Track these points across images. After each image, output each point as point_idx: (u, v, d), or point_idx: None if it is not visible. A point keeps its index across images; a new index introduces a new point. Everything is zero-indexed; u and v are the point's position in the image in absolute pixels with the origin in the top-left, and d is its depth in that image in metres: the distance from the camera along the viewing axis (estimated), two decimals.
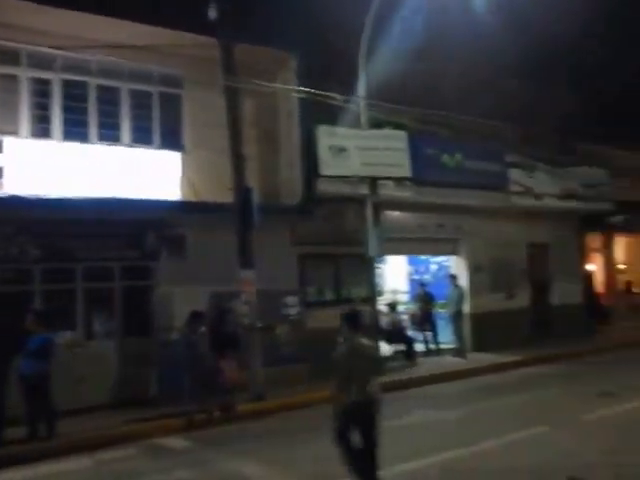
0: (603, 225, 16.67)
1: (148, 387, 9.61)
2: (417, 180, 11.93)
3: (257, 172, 10.93)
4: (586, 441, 6.66)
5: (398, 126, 11.88)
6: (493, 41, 11.89)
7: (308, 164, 10.94)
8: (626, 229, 17.32)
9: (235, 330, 9.18)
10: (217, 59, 9.49)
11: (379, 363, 5.29)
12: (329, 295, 11.77)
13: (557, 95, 14.56)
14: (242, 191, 9.44)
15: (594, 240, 17.49)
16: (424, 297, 13.29)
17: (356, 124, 11.33)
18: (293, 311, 11.02)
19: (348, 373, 5.11)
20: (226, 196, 9.51)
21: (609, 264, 17.74)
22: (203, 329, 8.73)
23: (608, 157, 16.36)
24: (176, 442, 7.72)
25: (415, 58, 11.40)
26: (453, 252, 14.03)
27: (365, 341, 5.35)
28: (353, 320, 5.38)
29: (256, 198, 9.47)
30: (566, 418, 7.73)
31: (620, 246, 18.46)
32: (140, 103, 10.55)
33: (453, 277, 13.39)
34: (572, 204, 14.84)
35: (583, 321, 15.69)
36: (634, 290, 18.32)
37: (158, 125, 10.67)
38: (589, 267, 17.18)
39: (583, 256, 16.69)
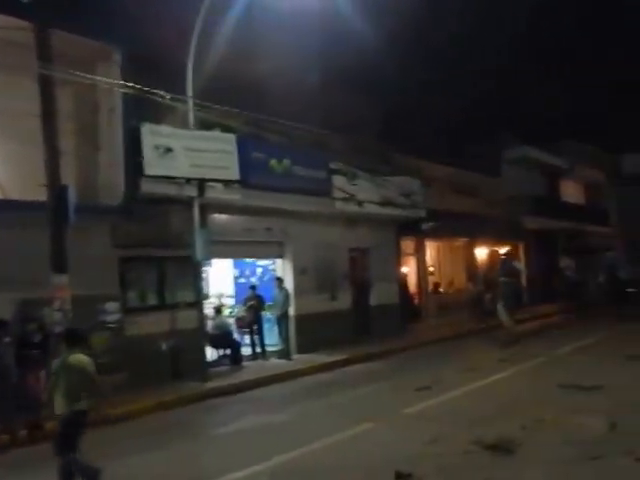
0: (416, 231, 18.14)
1: None
2: (245, 183, 12.03)
3: (75, 169, 10.30)
4: (409, 434, 7.13)
5: (227, 128, 11.89)
6: (322, 51, 12.40)
7: (132, 163, 10.48)
8: (435, 235, 19.03)
9: (45, 340, 8.48)
10: (31, 44, 8.72)
11: (90, 379, 5.85)
12: (152, 300, 11.41)
13: (377, 107, 15.60)
14: (56, 188, 8.74)
15: (408, 245, 18.99)
16: (254, 300, 13.37)
17: (184, 124, 11.12)
18: (113, 317, 10.47)
19: (61, 386, 5.72)
20: (38, 193, 8.75)
21: (421, 267, 19.34)
22: (8, 339, 7.97)
23: (419, 168, 17.89)
24: None
25: (245, 61, 11.50)
26: (279, 255, 14.37)
27: (81, 357, 5.88)
28: (70, 337, 6.09)
29: (73, 197, 8.81)
30: (389, 413, 8.18)
31: (430, 250, 20.21)
32: None
33: (279, 280, 13.69)
34: (390, 211, 15.95)
35: (398, 320, 16.95)
36: (441, 290, 20.23)
37: None
38: (404, 270, 18.60)
39: (399, 259, 18.02)
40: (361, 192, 15.00)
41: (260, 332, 13.37)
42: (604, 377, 9.56)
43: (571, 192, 31.71)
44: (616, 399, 8.16)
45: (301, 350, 13.63)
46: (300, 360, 12.96)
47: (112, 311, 10.47)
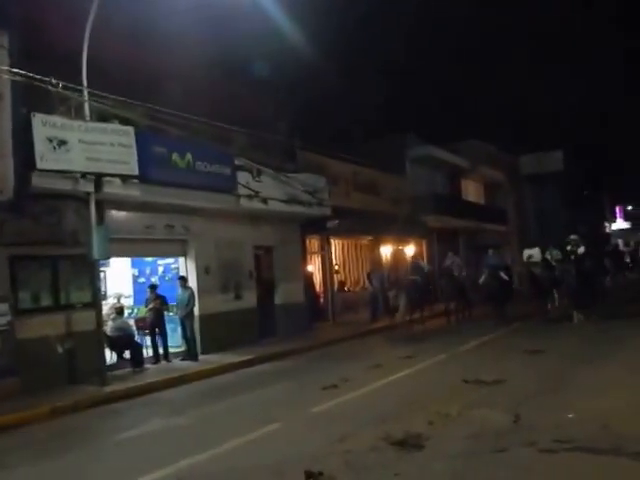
0: (321, 229, 18.57)
1: None
2: (145, 179, 11.89)
3: None
4: (317, 433, 7.31)
5: (126, 121, 11.70)
6: (229, 46, 12.47)
7: (22, 156, 10.09)
8: (340, 233, 19.56)
9: None
10: None
11: None
12: (46, 301, 11.07)
13: (283, 104, 15.86)
14: None
15: (313, 243, 19.40)
16: (157, 300, 13.20)
17: (79, 116, 10.84)
18: (2, 320, 10.08)
19: None
20: None
21: (326, 265, 19.81)
22: None
23: (324, 166, 18.34)
24: None
25: (145, 52, 11.37)
26: (182, 253, 14.31)
27: None
28: None
29: None
30: (296, 412, 8.35)
31: (335, 248, 20.73)
32: None
33: (183, 279, 13.64)
34: (295, 209, 16.26)
35: (304, 319, 17.30)
36: (347, 289, 20.82)
37: None
38: (309, 268, 18.98)
39: (304, 258, 18.38)
40: (266, 189, 15.20)
41: (163, 333, 13.23)
42: (506, 371, 10.26)
43: (472, 191, 33.50)
44: (518, 392, 8.79)
45: (206, 351, 13.66)
46: (205, 361, 13.00)
47: (1, 313, 10.07)
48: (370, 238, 22.00)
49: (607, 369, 9.92)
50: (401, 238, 23.04)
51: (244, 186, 14.55)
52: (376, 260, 21.73)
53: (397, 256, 22.43)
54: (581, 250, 17.76)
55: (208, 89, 12.97)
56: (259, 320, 15.91)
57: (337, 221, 18.28)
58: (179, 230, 13.83)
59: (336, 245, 20.72)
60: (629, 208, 72.86)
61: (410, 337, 14.85)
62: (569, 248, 17.86)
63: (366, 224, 20.39)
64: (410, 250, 23.49)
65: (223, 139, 14.38)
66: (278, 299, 16.92)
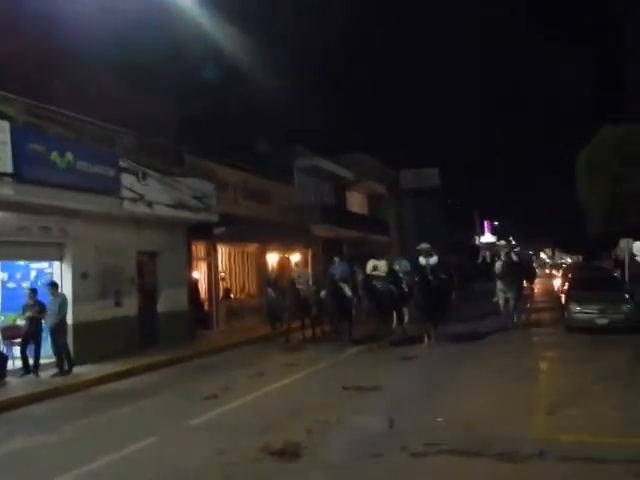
0: (208, 235, 18.36)
1: None
2: (19, 177, 11.23)
3: None
4: (195, 446, 7.27)
5: (1, 115, 11.00)
6: (118, 46, 12.12)
7: None
8: (227, 239, 19.44)
9: None
10: None
11: None
12: None
13: (172, 108, 15.59)
14: None
15: (199, 249, 19.15)
16: (35, 307, 12.33)
17: None
18: None
19: None
20: None
21: (212, 272, 19.59)
22: None
23: (213, 171, 18.20)
24: None
25: (29, 46, 10.80)
26: (58, 257, 13.63)
27: None
28: None
29: None
30: (174, 425, 8.24)
31: (222, 255, 20.56)
32: None
33: (53, 285, 12.80)
34: (182, 214, 15.98)
35: (188, 327, 17.00)
36: (232, 296, 20.70)
37: None
38: (195, 275, 18.70)
39: (190, 264, 18.09)
40: (151, 193, 14.82)
41: (38, 344, 12.36)
42: (383, 377, 10.74)
43: (357, 202, 34.58)
44: (393, 398, 9.27)
45: (82, 361, 13.02)
46: (80, 372, 12.41)
47: None
48: (257, 245, 22.04)
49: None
50: (288, 246, 23.28)
51: (128, 189, 14.10)
52: (263, 268, 21.76)
53: (283, 264, 22.63)
54: (433, 260, 16.02)
55: (95, 89, 12.50)
56: (140, 328, 15.44)
57: (224, 228, 18.14)
58: (56, 233, 13.15)
59: (223, 252, 20.56)
60: (496, 223, 79.37)
61: (294, 346, 15.02)
62: (420, 259, 16.15)
63: (254, 231, 20.42)
64: (296, 258, 23.79)
65: (109, 140, 13.88)
66: (161, 306, 16.52)
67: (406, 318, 16.92)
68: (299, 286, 16.30)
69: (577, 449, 6.55)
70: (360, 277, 16.15)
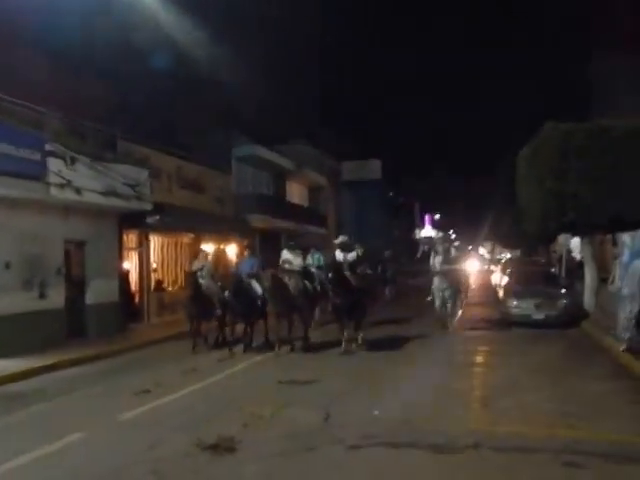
0: (141, 224, 17.95)
1: None
2: None
3: None
4: (125, 442, 7.11)
5: None
6: (45, 28, 11.67)
7: None
8: (161, 229, 19.08)
9: None
10: None
11: None
12: None
13: (102, 89, 15.14)
14: None
15: (131, 238, 18.71)
16: None
17: None
18: None
19: None
20: None
21: (144, 263, 19.20)
22: None
23: (147, 158, 17.79)
24: None
25: None
26: None
27: None
28: None
29: None
30: (103, 421, 8.01)
31: (154, 245, 20.18)
32: None
33: None
34: (113, 201, 15.54)
35: (118, 319, 16.61)
36: (164, 288, 20.35)
37: None
38: (125, 265, 18.26)
39: (120, 254, 17.65)
40: (80, 179, 14.33)
41: None
42: (318, 371, 10.78)
43: (296, 193, 34.58)
44: (329, 391, 9.34)
45: (1, 356, 12.50)
46: None
47: None
48: (192, 236, 21.72)
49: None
50: (223, 237, 23.05)
51: (56, 174, 13.59)
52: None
53: (218, 255, 22.39)
54: (352, 256, 13.94)
55: (26, 71, 11.97)
56: (67, 321, 14.98)
57: (158, 217, 17.79)
58: None
59: (155, 242, 20.16)
60: (437, 217, 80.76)
61: (230, 339, 14.89)
62: (337, 253, 14.14)
63: (188, 221, 20.11)
64: (232, 249, 23.60)
65: (37, 123, 13.31)
66: (89, 298, 16.06)
67: (314, 320, 15.70)
68: (201, 280, 14.12)
69: (510, 440, 6.80)
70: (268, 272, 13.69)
